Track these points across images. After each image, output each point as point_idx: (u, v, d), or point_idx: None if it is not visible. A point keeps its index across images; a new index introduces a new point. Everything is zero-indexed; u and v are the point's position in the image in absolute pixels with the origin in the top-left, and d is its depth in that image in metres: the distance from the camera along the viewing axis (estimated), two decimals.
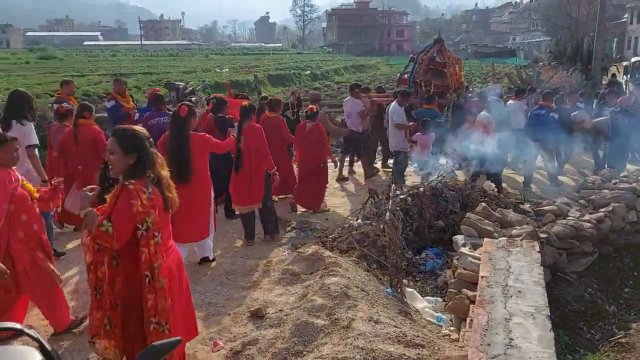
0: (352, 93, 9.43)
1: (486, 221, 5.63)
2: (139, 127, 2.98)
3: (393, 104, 8.81)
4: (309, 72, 37.26)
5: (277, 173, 6.03)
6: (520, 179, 8.99)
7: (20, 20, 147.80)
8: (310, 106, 7.74)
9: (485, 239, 5.01)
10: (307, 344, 3.59)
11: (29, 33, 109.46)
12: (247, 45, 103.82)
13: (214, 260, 5.52)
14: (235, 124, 6.09)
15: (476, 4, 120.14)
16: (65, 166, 6.19)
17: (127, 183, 2.75)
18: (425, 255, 5.88)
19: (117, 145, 2.78)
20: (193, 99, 11.13)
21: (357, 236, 5.54)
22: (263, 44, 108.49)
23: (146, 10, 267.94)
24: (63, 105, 6.83)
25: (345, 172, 9.58)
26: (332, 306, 3.93)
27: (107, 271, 2.82)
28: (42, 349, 1.77)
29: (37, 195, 3.92)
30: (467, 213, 5.83)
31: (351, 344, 3.39)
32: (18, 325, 1.88)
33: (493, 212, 5.93)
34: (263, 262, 5.49)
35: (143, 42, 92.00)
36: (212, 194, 5.38)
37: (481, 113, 8.20)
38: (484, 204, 6.04)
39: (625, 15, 49.05)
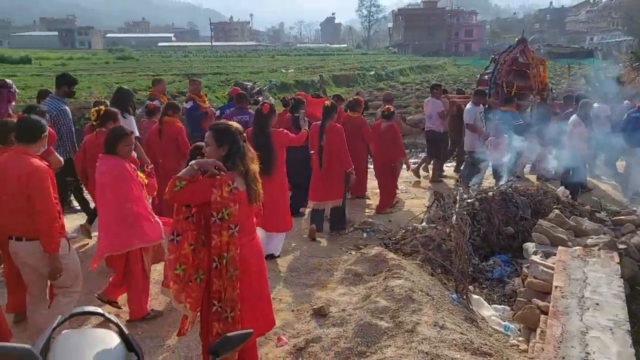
0: (432, 94, 9.39)
1: (559, 229, 5.39)
2: (233, 123, 3.12)
3: (469, 104, 8.68)
4: (373, 72, 36.98)
5: (354, 172, 6.22)
6: (604, 186, 8.54)
7: (101, 23, 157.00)
8: (387, 106, 7.81)
9: (560, 248, 4.80)
10: (370, 345, 3.57)
11: (109, 35, 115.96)
12: (312, 46, 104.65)
13: (278, 257, 5.61)
14: (307, 119, 6.32)
15: (551, 2, 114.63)
16: (152, 159, 6.58)
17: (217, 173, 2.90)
18: (492, 262, 5.71)
19: (212, 138, 2.98)
20: (260, 98, 11.39)
21: (422, 239, 5.45)
22: (328, 45, 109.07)
23: (217, 12, 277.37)
24: (152, 102, 7.27)
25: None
26: (396, 309, 3.88)
27: (195, 245, 2.97)
28: (120, 333, 1.85)
29: (147, 181, 4.23)
30: (539, 220, 5.61)
31: (415, 348, 3.33)
32: (99, 310, 1.98)
33: (567, 219, 5.67)
34: (326, 261, 5.51)
35: (213, 43, 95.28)
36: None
37: (572, 117, 7.75)
38: (557, 211, 5.79)
39: None
